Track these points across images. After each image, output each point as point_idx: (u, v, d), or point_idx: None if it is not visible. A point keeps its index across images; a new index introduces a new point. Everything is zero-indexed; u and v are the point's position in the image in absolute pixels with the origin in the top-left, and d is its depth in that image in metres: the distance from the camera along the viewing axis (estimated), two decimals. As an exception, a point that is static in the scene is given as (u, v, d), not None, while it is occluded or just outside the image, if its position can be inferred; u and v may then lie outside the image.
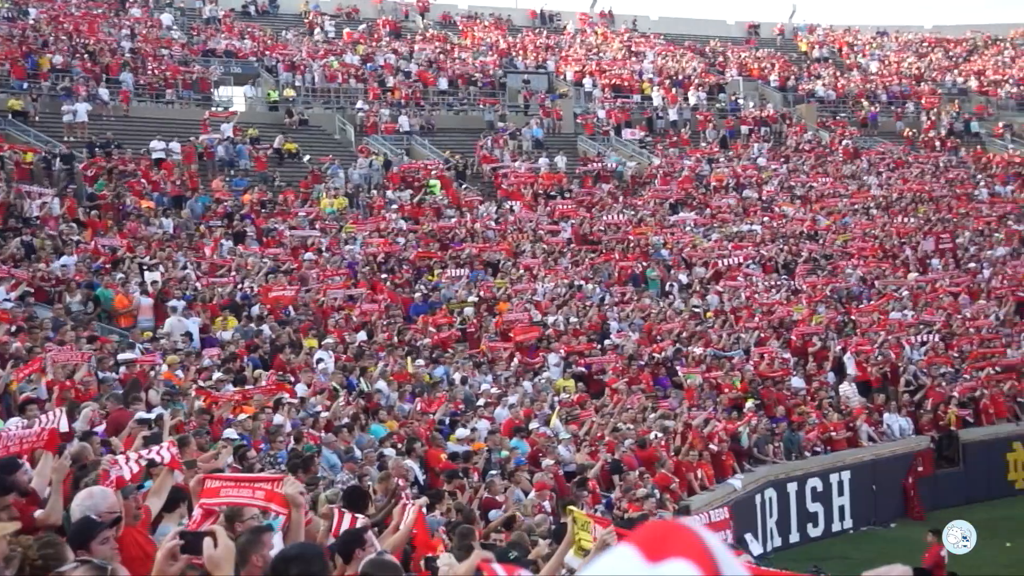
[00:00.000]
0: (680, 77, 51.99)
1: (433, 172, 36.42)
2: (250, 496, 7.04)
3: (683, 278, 31.39)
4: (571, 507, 10.14)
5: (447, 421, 19.02)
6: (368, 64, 45.68)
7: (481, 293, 27.29)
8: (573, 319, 26.60)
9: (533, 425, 19.40)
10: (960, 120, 52.44)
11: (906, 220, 38.16)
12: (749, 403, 23.53)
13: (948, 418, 25.74)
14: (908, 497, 24.63)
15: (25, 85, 35.61)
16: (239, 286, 23.79)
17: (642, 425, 20.88)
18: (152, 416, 12.23)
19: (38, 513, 7.11)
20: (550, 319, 26.27)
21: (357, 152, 37.83)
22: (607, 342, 25.79)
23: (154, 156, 32.35)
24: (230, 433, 13.38)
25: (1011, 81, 57.42)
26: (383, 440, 16.20)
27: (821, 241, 36.15)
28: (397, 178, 35.96)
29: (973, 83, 57.63)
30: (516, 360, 23.95)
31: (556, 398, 21.89)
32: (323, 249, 28.28)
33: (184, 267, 24.21)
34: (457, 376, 21.90)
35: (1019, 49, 62.34)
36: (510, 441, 18.28)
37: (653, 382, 24.47)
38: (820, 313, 29.18)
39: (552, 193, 37.27)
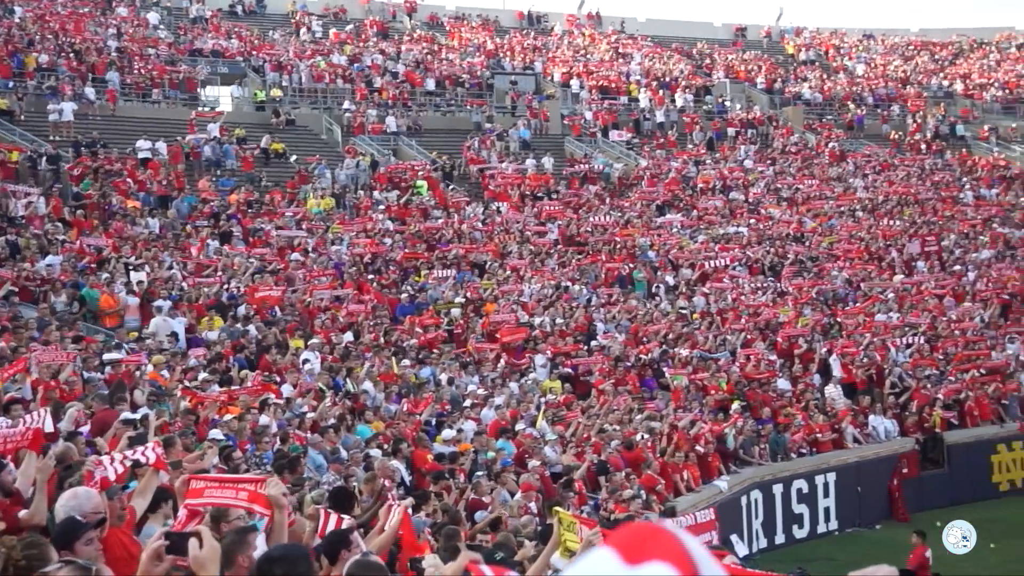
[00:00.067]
0: (667, 79, 52.07)
1: (420, 173, 36.40)
2: (233, 497, 7.02)
3: (670, 280, 31.46)
4: (556, 508, 10.13)
5: (433, 422, 19.00)
6: (355, 64, 45.64)
7: (468, 294, 27.29)
8: (560, 320, 26.61)
9: (519, 426, 19.39)
10: (946, 123, 52.61)
11: (892, 223, 38.29)
12: (735, 405, 23.56)
13: (933, 420, 25.84)
14: (893, 499, 24.70)
15: (11, 84, 35.46)
16: (225, 286, 23.74)
17: (628, 426, 20.90)
18: (137, 416, 12.20)
19: (22, 513, 7.09)
20: (537, 320, 26.28)
21: (344, 152, 37.78)
22: (594, 343, 25.82)
23: (140, 156, 32.25)
24: (216, 434, 13.33)
25: (996, 85, 57.66)
26: (369, 441, 16.17)
27: (807, 243, 36.25)
28: (384, 179, 35.93)
29: (959, 86, 57.86)
30: (503, 361, 23.95)
31: (542, 399, 21.89)
32: (310, 249, 28.23)
33: (170, 267, 24.12)
34: (443, 377, 21.88)
35: (1004, 53, 62.61)
36: (496, 442, 18.27)
37: (639, 383, 24.50)
38: (806, 315, 29.25)
39: (539, 194, 37.30)
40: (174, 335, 20.26)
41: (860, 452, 24.64)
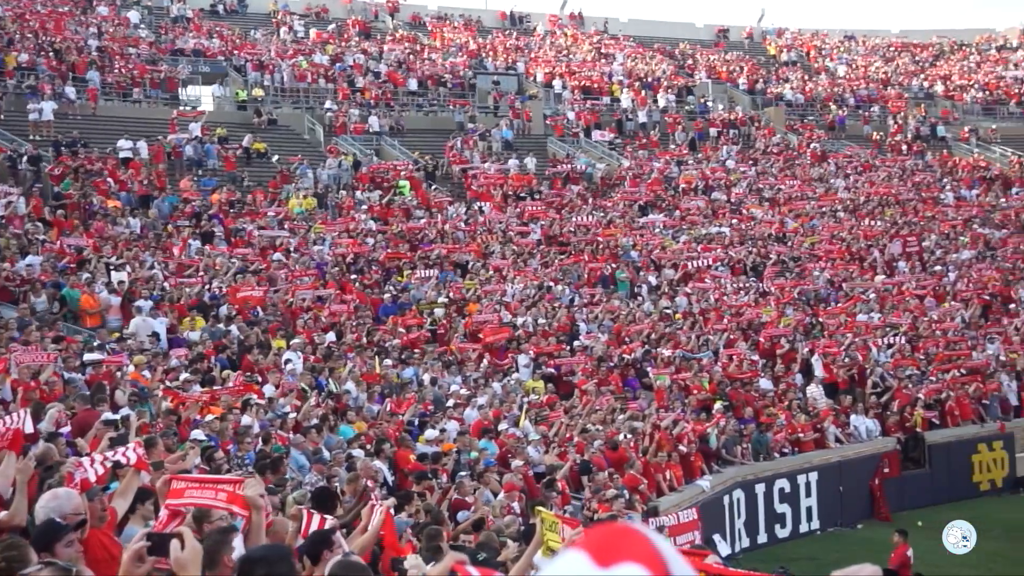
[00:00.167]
0: (649, 79, 52.17)
1: (403, 173, 36.35)
2: (213, 497, 7.01)
3: (652, 280, 31.49)
4: (539, 508, 10.11)
5: (416, 422, 18.99)
6: (337, 64, 45.56)
7: (450, 294, 27.26)
8: (542, 320, 26.61)
9: (502, 426, 19.39)
10: (926, 124, 52.86)
11: (873, 223, 38.41)
12: (718, 404, 23.60)
13: (914, 420, 25.94)
14: (875, 498, 24.78)
15: (-10, 83, 35.31)
16: (207, 286, 23.65)
17: (611, 426, 20.91)
18: (119, 417, 12.13)
19: (2, 514, 7.03)
20: (519, 320, 26.27)
21: (326, 152, 37.71)
22: (576, 343, 25.84)
23: (121, 155, 32.10)
24: (197, 434, 13.27)
25: (976, 86, 57.97)
26: (352, 441, 16.15)
27: (789, 243, 36.35)
28: (366, 178, 35.87)
29: (939, 88, 58.16)
30: (485, 361, 23.94)
31: (525, 399, 21.88)
32: (292, 249, 28.16)
33: (151, 267, 24.02)
34: (426, 377, 21.86)
35: (984, 55, 62.96)
36: (479, 442, 18.27)
37: (622, 383, 24.51)
38: (788, 315, 29.32)
39: (522, 194, 37.28)
40: (155, 335, 20.17)
41: (842, 452, 24.72)
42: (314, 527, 8.17)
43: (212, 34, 45.81)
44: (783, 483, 23.22)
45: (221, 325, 21.59)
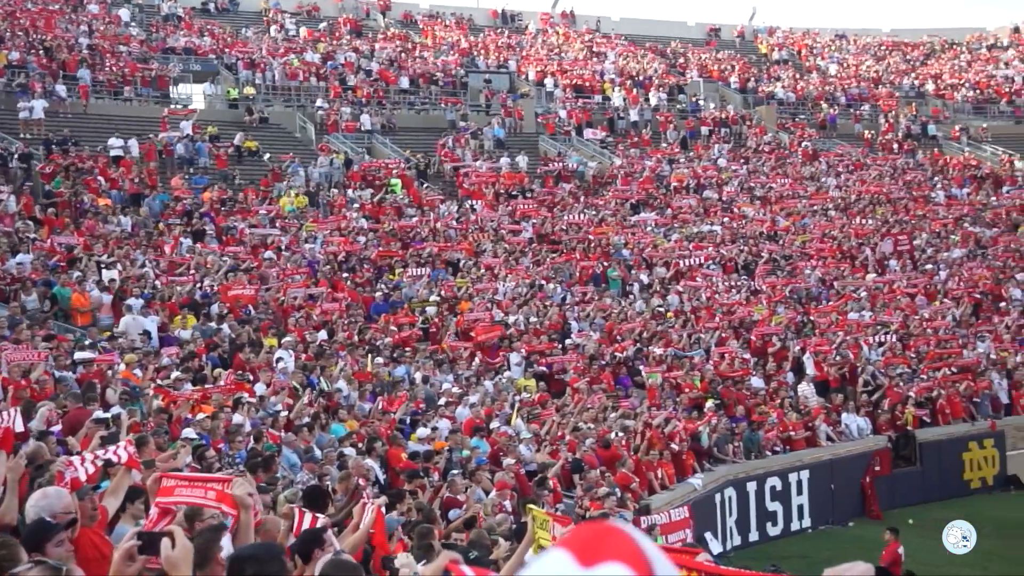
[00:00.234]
0: (641, 78, 52.18)
1: (394, 171, 36.32)
2: (202, 496, 7.00)
3: (644, 278, 31.50)
4: (531, 506, 10.12)
5: (408, 420, 18.98)
6: (329, 62, 45.46)
7: (442, 292, 27.24)
8: (534, 319, 26.61)
9: (494, 424, 19.39)
10: (917, 123, 52.97)
11: (864, 221, 38.50)
12: (709, 403, 23.64)
13: (905, 418, 25.99)
14: (866, 496, 24.81)
15: (-20, 81, 35.18)
16: (198, 284, 23.62)
17: (603, 424, 20.92)
18: (110, 416, 12.11)
19: (-8, 513, 7.01)
20: (511, 318, 26.27)
21: (318, 150, 37.65)
22: (568, 341, 25.83)
23: (112, 153, 32.02)
24: (189, 432, 13.26)
25: (967, 85, 58.10)
26: (343, 439, 16.14)
27: (780, 242, 36.41)
28: (358, 177, 35.84)
29: (930, 86, 58.27)
30: (477, 359, 23.94)
31: (517, 397, 21.89)
32: (283, 248, 28.12)
33: (143, 265, 23.96)
34: (418, 375, 21.85)
35: (975, 53, 63.12)
36: (471, 440, 18.25)
37: (614, 382, 24.52)
38: (779, 313, 29.38)
39: (513, 193, 37.29)
40: (146, 333, 20.13)
41: (833, 450, 24.76)
42: (306, 526, 8.15)
43: (203, 32, 45.67)
44: (774, 481, 23.25)
45: (212, 323, 21.57)
